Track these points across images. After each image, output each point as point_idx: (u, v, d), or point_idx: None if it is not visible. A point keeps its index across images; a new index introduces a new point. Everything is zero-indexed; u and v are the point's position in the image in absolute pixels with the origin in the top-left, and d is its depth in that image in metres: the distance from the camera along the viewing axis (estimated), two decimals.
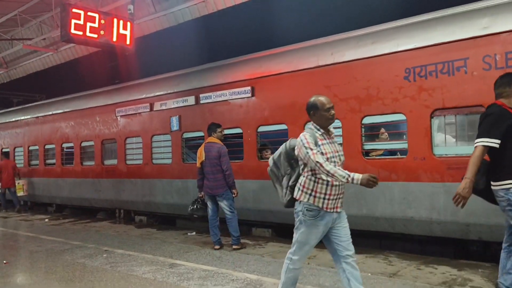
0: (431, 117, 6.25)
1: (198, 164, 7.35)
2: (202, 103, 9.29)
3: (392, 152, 6.97)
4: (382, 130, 7.13)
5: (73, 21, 8.45)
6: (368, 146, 7.18)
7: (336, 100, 7.22)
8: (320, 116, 3.89)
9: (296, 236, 3.92)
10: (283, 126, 7.99)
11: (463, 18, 6.18)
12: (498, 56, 5.71)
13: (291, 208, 4.00)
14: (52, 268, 6.19)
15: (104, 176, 11.78)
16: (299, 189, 3.86)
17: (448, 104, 6.08)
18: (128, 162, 11.16)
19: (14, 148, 15.70)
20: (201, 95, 9.31)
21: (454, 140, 6.21)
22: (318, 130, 3.90)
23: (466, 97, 5.93)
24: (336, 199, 3.81)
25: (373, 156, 6.98)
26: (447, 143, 6.22)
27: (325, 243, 3.97)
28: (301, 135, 3.87)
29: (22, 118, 15.34)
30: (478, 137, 4.17)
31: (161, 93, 10.28)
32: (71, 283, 5.38)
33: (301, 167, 3.89)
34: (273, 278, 5.31)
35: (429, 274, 5.41)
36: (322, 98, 3.94)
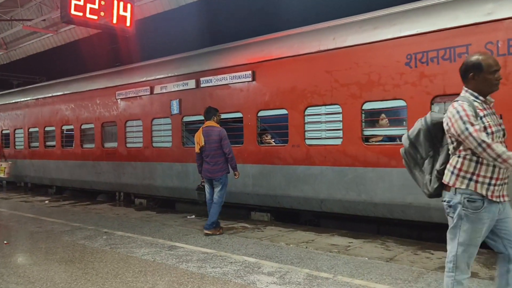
0: (432, 104, 6.23)
1: (197, 150, 7.22)
2: (203, 87, 9.26)
3: (391, 138, 6.97)
4: (382, 116, 7.12)
5: (73, 2, 8.40)
6: (368, 132, 7.18)
7: (337, 86, 7.20)
8: (483, 80, 3.10)
9: (456, 237, 3.17)
10: (284, 111, 7.98)
11: (467, 3, 6.12)
12: (500, 43, 5.67)
13: (437, 198, 3.30)
14: (52, 249, 6.24)
15: (104, 159, 11.80)
16: (452, 173, 3.09)
17: (449, 90, 6.05)
18: (128, 145, 11.17)
19: (14, 129, 15.71)
20: (201, 79, 9.28)
21: None
22: (477, 98, 3.11)
23: None
24: (502, 184, 3.06)
25: (373, 142, 6.99)
26: None
27: (488, 240, 3.22)
28: (455, 104, 3.08)
29: (22, 100, 15.31)
30: None
31: (162, 76, 10.24)
32: (71, 263, 5.44)
33: (453, 144, 3.11)
34: (271, 261, 5.37)
35: (426, 259, 5.47)
36: (487, 57, 3.14)
